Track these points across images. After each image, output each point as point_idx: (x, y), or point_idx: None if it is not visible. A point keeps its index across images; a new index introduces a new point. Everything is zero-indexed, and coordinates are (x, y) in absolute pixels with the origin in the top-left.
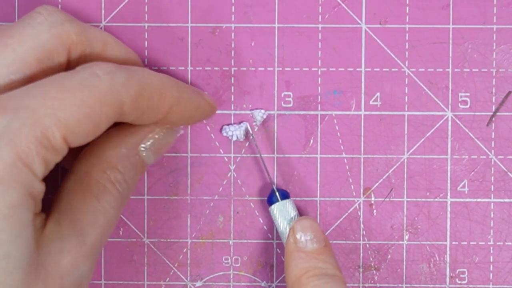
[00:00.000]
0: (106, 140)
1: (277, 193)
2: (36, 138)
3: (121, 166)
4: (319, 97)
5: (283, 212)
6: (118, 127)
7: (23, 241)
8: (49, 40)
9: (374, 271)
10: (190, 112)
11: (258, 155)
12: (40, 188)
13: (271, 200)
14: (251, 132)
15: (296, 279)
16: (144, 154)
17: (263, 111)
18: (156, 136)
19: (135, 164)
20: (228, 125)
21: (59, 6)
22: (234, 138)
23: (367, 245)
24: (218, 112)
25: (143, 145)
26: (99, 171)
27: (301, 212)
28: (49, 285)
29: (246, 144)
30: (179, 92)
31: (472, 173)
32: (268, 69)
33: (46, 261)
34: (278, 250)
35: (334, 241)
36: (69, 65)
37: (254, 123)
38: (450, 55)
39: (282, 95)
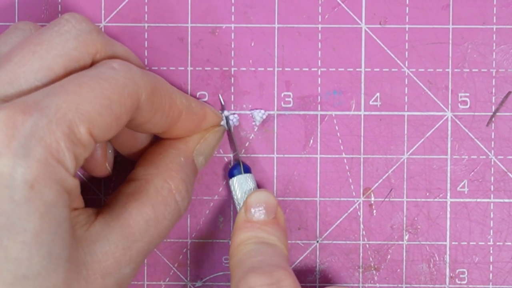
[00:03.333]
0: (163, 149)
1: (241, 166)
2: (64, 133)
3: (183, 175)
4: (319, 97)
5: (243, 185)
6: None
7: (61, 238)
8: (76, 48)
9: (374, 271)
10: (199, 122)
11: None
12: (74, 183)
13: (232, 173)
14: (222, 102)
15: (235, 246)
16: (198, 161)
17: (262, 111)
18: (207, 141)
19: (193, 171)
20: None
21: (59, 6)
22: None
23: (367, 245)
24: (217, 112)
25: (197, 152)
26: (160, 180)
27: (300, 214)
28: (91, 283)
29: (246, 144)
30: (188, 100)
31: (472, 173)
32: (268, 69)
33: (87, 260)
34: None
35: (334, 241)
36: None
37: (254, 123)
38: (450, 55)
39: (282, 95)
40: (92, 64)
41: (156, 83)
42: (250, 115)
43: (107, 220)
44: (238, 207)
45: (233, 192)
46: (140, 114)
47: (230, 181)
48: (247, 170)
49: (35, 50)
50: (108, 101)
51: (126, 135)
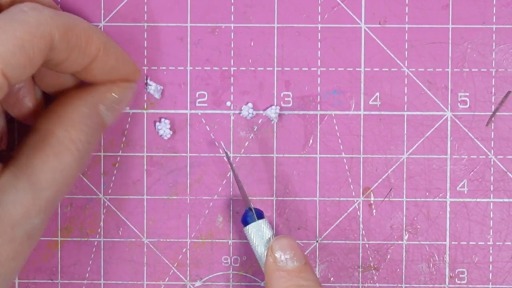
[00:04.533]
0: (68, 100)
1: (253, 212)
2: None
3: (84, 125)
4: (319, 97)
5: (259, 233)
6: (78, 88)
7: None
8: None
9: (374, 271)
10: (117, 63)
11: (235, 174)
12: None
13: (245, 220)
14: (225, 149)
15: None
16: (104, 114)
17: (273, 106)
18: (114, 95)
19: (96, 123)
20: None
21: (59, 6)
22: (161, 133)
23: (367, 245)
24: (217, 112)
25: (102, 105)
26: (61, 130)
27: (300, 213)
28: None
29: (246, 144)
30: (106, 38)
31: (472, 173)
32: (268, 69)
33: None
34: None
35: (334, 241)
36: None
37: (272, 122)
38: (450, 55)
39: (282, 95)
40: (2, 6)
41: (70, 22)
42: (263, 114)
43: (14, 171)
44: (259, 258)
45: (250, 241)
46: (56, 53)
47: (245, 230)
48: (260, 215)
49: None
50: (20, 42)
51: (50, 74)
